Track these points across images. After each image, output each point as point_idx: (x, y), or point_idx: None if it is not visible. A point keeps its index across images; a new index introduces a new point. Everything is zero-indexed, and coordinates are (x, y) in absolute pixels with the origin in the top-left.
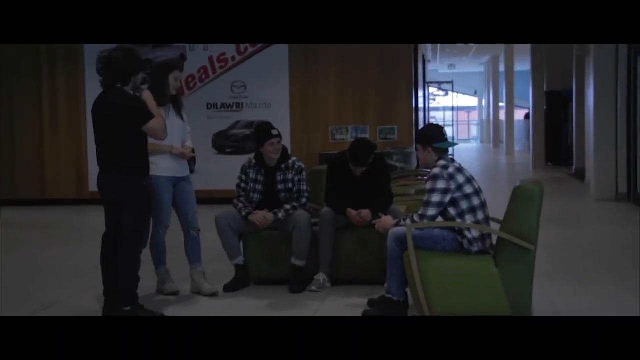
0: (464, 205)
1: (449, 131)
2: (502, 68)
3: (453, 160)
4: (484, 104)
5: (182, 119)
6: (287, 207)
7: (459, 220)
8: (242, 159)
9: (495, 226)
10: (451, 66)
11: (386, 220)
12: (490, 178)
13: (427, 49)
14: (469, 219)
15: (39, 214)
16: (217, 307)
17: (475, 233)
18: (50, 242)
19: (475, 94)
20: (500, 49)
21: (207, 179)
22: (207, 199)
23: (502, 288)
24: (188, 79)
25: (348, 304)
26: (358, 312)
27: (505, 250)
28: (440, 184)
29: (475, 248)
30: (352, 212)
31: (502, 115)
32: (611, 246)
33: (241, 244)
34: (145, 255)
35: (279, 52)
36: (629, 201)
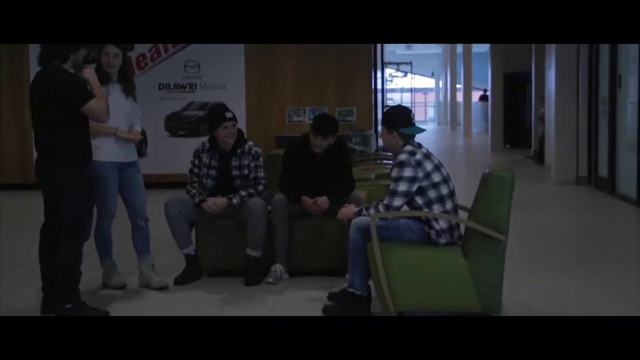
0: (432, 194)
1: None
2: (459, 49)
3: (420, 146)
4: (441, 85)
5: (133, 99)
6: (243, 193)
7: (426, 210)
8: (196, 142)
9: (463, 215)
10: (408, 47)
11: (348, 208)
12: (449, 161)
13: None
14: (436, 208)
15: None
16: (167, 302)
17: (443, 224)
18: None
19: (432, 75)
20: None
21: (159, 163)
22: (160, 183)
23: (470, 281)
24: (139, 58)
25: (307, 298)
26: (318, 307)
27: (475, 240)
28: (407, 172)
29: (443, 240)
30: (307, 200)
31: (460, 97)
32: (576, 232)
33: (193, 233)
34: (90, 245)
35: None
36: (590, 184)
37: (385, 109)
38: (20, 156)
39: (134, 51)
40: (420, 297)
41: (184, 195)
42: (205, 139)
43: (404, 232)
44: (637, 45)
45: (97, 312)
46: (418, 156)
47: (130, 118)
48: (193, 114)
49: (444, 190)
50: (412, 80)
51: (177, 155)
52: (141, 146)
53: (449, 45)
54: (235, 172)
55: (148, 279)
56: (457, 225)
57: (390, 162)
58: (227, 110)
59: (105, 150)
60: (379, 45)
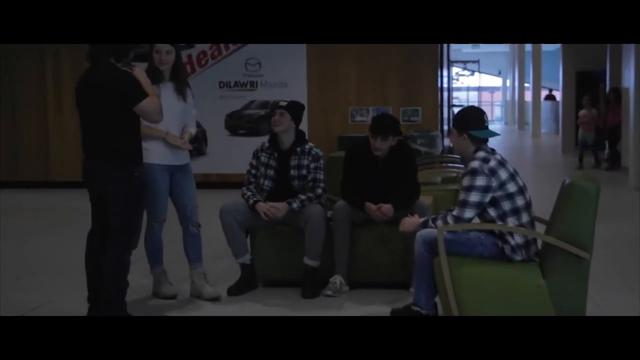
0: (507, 205)
1: None
2: (528, 47)
3: (494, 152)
4: (508, 84)
5: (184, 100)
6: (302, 197)
7: (500, 223)
8: (257, 141)
9: (540, 229)
10: (475, 45)
11: (411, 220)
12: (517, 162)
13: None
14: (511, 221)
15: (42, 197)
16: (220, 314)
17: (519, 238)
18: (46, 230)
19: (499, 74)
20: None
21: (219, 162)
22: (220, 182)
23: (550, 303)
24: (199, 55)
25: (368, 313)
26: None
27: (555, 258)
28: (480, 181)
29: (518, 256)
30: (371, 207)
31: (528, 96)
32: None
33: (248, 240)
34: (139, 252)
35: None
36: None
37: (455, 110)
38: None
39: (194, 49)
40: None
41: (240, 200)
42: (265, 138)
43: (475, 247)
44: None
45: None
46: (492, 163)
47: (183, 119)
48: (253, 112)
49: (520, 201)
50: (480, 78)
51: (237, 154)
52: (201, 145)
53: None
54: (293, 172)
55: (200, 289)
56: (534, 241)
57: (458, 165)
58: (285, 100)
59: (155, 152)
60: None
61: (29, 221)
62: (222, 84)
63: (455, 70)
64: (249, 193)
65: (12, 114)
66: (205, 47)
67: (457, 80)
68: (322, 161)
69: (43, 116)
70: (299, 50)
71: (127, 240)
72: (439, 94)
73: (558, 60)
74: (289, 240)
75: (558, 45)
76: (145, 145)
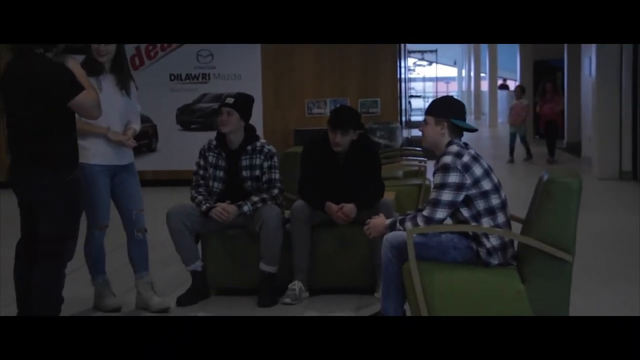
0: (481, 205)
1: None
2: None
3: (467, 146)
4: (464, 74)
5: (127, 94)
6: (255, 198)
7: (474, 224)
8: (210, 136)
9: (517, 228)
10: None
11: (378, 221)
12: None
13: None
14: (486, 222)
15: None
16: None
17: (495, 240)
18: None
19: (454, 64)
20: None
21: (170, 158)
22: (171, 180)
23: (530, 310)
24: (148, 47)
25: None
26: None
27: (534, 261)
28: (453, 178)
29: (495, 260)
30: (332, 207)
31: (484, 86)
32: (629, 235)
33: (199, 245)
34: (79, 260)
35: None
36: (635, 180)
37: (412, 101)
38: None
39: None
40: None
41: (189, 204)
42: (212, 136)
43: (448, 251)
44: None
45: None
46: (465, 158)
47: (125, 114)
48: (206, 106)
49: (495, 200)
50: (437, 69)
51: (190, 150)
52: (151, 141)
53: None
54: (245, 173)
55: (147, 300)
56: (511, 243)
57: (419, 158)
58: (232, 96)
59: (94, 152)
60: None
61: None
62: (172, 77)
63: (412, 60)
64: (200, 197)
65: None
66: None
67: (414, 70)
68: (276, 159)
69: None
70: None
71: (60, 252)
72: (399, 84)
73: (513, 50)
74: (243, 245)
75: None
76: (83, 143)
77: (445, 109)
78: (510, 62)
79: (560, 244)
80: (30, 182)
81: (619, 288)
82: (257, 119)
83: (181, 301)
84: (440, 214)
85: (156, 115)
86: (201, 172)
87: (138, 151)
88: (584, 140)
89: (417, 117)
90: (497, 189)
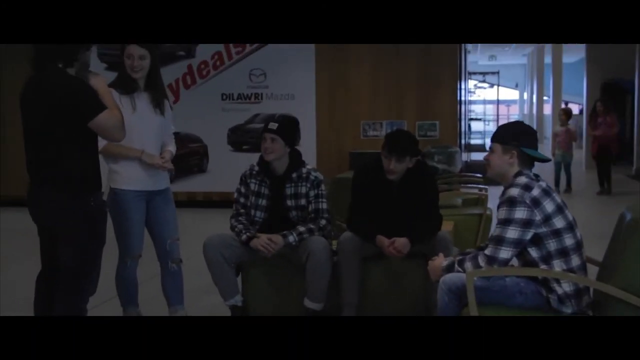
0: (552, 245)
1: (492, 127)
2: (547, 60)
3: (538, 178)
4: (525, 97)
5: (161, 113)
6: (301, 229)
7: (544, 267)
8: None
9: (593, 273)
10: (492, 57)
11: (437, 264)
12: None
13: None
14: (558, 264)
15: None
16: None
17: (568, 286)
18: None
19: (516, 86)
20: None
21: (221, 180)
22: (222, 201)
23: None
24: (200, 65)
25: None
26: None
27: (614, 311)
28: (520, 213)
29: (568, 309)
30: (383, 241)
31: (547, 110)
32: None
33: (239, 277)
34: (110, 291)
35: None
36: None
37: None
38: None
39: (195, 58)
40: None
41: (228, 233)
42: (254, 161)
43: (514, 296)
44: None
45: None
46: (535, 192)
47: (161, 135)
48: (258, 126)
49: (569, 240)
50: (498, 91)
51: (241, 171)
52: (202, 161)
53: (535, 54)
54: (290, 202)
55: None
56: (587, 289)
57: (480, 185)
58: (275, 121)
59: (128, 176)
60: (462, 54)
61: None
62: (224, 96)
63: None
64: (240, 226)
65: None
66: (206, 56)
67: (474, 93)
68: (323, 187)
69: None
70: (307, 60)
71: (81, 285)
72: (459, 107)
73: (578, 72)
74: (287, 278)
75: (578, 57)
76: (115, 167)
77: (515, 136)
78: (573, 86)
79: None
80: (48, 207)
81: None
82: (310, 140)
83: None
84: (505, 253)
85: (207, 135)
86: (242, 200)
87: (189, 171)
88: None
89: (477, 141)
90: (571, 227)
